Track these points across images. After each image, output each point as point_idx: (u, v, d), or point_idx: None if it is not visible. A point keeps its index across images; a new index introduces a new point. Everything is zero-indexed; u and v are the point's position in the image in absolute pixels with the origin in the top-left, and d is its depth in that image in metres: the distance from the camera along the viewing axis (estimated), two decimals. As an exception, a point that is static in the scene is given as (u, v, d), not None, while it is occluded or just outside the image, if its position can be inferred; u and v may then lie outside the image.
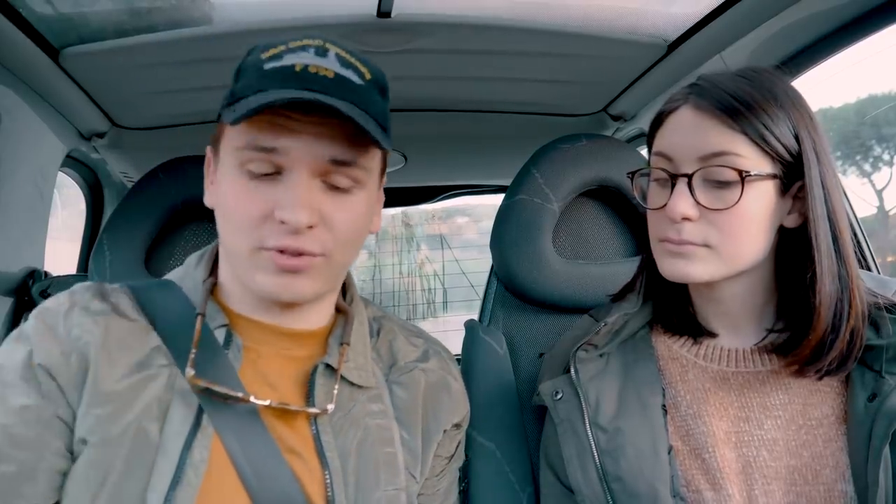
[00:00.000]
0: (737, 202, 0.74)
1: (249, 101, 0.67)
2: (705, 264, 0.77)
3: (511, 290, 1.15)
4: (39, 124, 1.34)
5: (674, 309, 0.88)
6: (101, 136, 1.57)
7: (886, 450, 0.72)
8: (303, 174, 0.69)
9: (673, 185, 0.77)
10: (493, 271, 1.20)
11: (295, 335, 0.79)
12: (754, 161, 0.74)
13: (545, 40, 1.32)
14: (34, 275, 1.34)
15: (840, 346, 0.76)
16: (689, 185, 0.75)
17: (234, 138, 0.71)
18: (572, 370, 0.88)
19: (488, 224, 1.18)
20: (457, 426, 0.88)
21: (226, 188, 0.72)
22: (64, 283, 1.33)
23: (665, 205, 0.77)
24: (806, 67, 1.26)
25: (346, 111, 0.66)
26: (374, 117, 0.71)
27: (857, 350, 0.76)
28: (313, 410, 0.74)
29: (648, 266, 0.88)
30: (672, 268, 0.78)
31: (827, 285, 0.75)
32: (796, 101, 0.77)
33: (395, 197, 2.36)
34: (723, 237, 0.76)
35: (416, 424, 0.82)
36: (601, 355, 0.89)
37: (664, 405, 0.84)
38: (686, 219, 0.75)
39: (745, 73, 0.79)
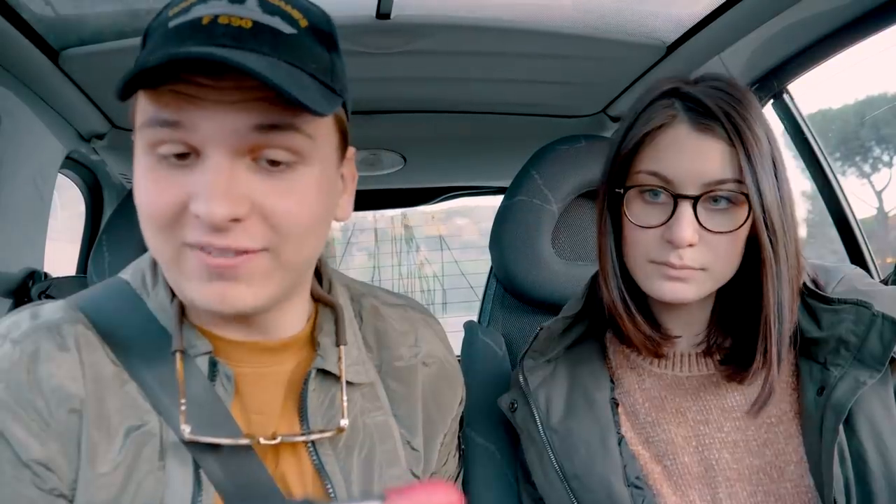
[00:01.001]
0: (742, 225, 0.74)
1: (151, 60, 0.53)
2: (699, 286, 0.76)
3: (510, 291, 1.15)
4: (39, 126, 1.35)
5: (629, 327, 0.84)
6: (100, 137, 1.58)
7: (843, 442, 0.74)
8: (220, 153, 0.54)
9: (674, 207, 0.74)
10: (493, 272, 1.20)
11: (274, 348, 0.68)
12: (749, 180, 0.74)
13: (544, 42, 1.32)
14: (34, 276, 1.34)
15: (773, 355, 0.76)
16: (694, 208, 0.74)
17: (139, 115, 0.57)
18: (521, 378, 0.88)
19: (488, 225, 1.18)
20: (460, 404, 0.82)
21: (138, 177, 0.58)
22: (64, 283, 1.33)
23: (661, 224, 0.75)
24: (806, 68, 1.26)
25: (259, 68, 0.51)
26: (312, 74, 0.58)
27: (777, 361, 0.76)
28: (327, 434, 0.65)
29: (615, 286, 0.84)
30: (669, 291, 0.76)
31: (771, 296, 0.75)
32: (766, 120, 0.77)
33: (395, 198, 2.37)
34: (717, 258, 0.75)
35: (415, 419, 0.75)
36: (548, 361, 0.89)
37: (614, 398, 0.85)
38: (689, 244, 0.74)
39: (723, 87, 0.76)
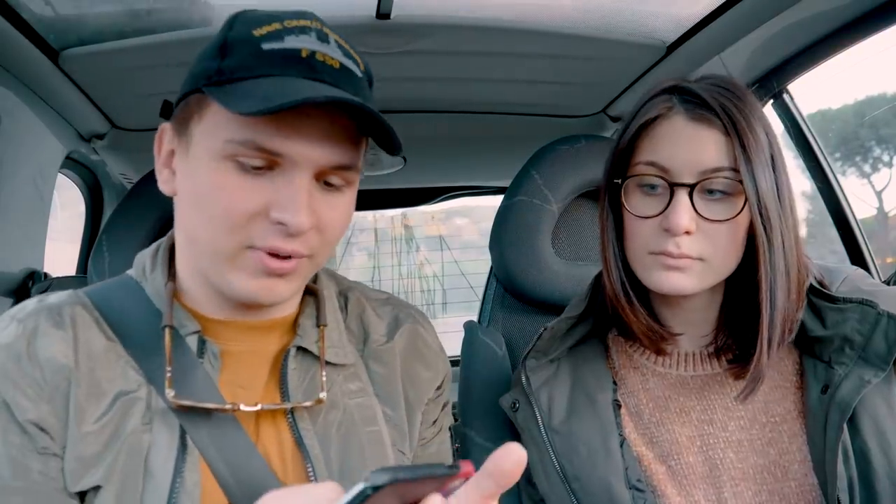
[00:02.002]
0: (738, 213, 0.74)
1: (260, 87, 0.60)
2: (697, 277, 0.77)
3: (510, 291, 1.15)
4: (39, 126, 1.34)
5: (632, 319, 0.84)
6: (100, 137, 1.58)
7: (847, 441, 0.74)
8: (305, 175, 0.63)
9: (671, 196, 0.75)
10: (493, 272, 1.20)
11: (263, 327, 0.73)
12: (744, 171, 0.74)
13: (544, 41, 1.32)
14: (34, 276, 1.34)
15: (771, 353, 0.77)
16: (690, 196, 0.75)
17: (226, 128, 0.62)
18: (523, 378, 0.89)
19: (488, 225, 1.18)
20: (438, 389, 0.83)
21: (206, 178, 0.63)
22: (64, 283, 1.33)
23: (658, 214, 0.76)
24: (806, 68, 1.26)
25: (374, 113, 0.61)
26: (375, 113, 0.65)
27: (767, 346, 0.76)
28: (306, 404, 0.69)
29: (617, 278, 0.84)
30: (667, 281, 0.77)
31: (771, 297, 0.75)
32: (766, 117, 0.77)
33: (395, 198, 2.36)
34: (715, 249, 0.75)
35: (397, 398, 0.77)
36: (551, 361, 0.90)
37: (616, 400, 0.85)
38: (686, 232, 0.75)
39: (721, 83, 0.78)
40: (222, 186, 0.62)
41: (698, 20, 1.22)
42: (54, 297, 0.70)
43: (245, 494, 0.65)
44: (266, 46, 0.62)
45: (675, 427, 0.82)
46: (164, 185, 0.70)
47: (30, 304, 0.69)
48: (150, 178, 1.12)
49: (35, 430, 0.63)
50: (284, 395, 0.70)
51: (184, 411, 0.65)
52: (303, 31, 0.63)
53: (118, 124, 1.58)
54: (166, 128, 0.70)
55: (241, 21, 0.65)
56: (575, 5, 1.26)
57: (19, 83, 1.23)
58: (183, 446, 0.65)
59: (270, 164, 0.62)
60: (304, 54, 0.62)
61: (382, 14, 1.16)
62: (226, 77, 0.62)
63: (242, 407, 0.67)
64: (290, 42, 0.62)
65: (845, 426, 0.74)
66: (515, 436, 0.93)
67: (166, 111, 0.71)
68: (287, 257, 0.64)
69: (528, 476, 0.89)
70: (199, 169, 0.64)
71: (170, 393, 0.64)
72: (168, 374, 0.65)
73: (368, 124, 0.65)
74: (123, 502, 0.62)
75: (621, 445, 0.82)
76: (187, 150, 0.66)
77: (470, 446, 1.00)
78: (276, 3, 1.18)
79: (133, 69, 1.31)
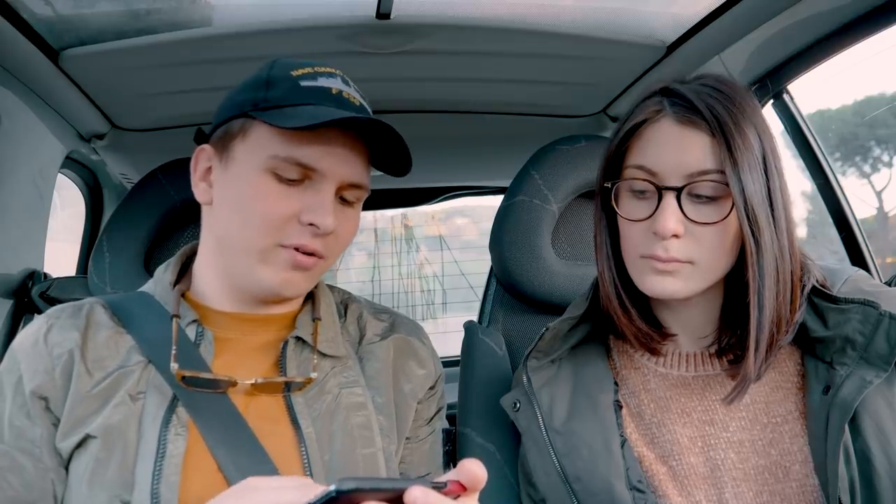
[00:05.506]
0: (726, 217, 0.74)
1: (307, 111, 0.73)
2: (688, 281, 0.77)
3: (510, 291, 1.15)
4: (39, 126, 1.35)
5: (623, 321, 0.85)
6: (100, 137, 1.58)
7: (848, 442, 0.73)
8: (331, 187, 0.76)
9: (659, 199, 0.75)
10: (493, 272, 1.20)
11: (263, 320, 0.83)
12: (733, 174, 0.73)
13: (544, 42, 1.32)
14: (34, 276, 1.34)
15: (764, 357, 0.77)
16: (678, 199, 0.75)
17: (270, 146, 0.74)
18: (524, 378, 0.89)
19: (488, 225, 1.18)
20: (431, 389, 0.90)
21: (248, 188, 0.75)
22: (64, 284, 1.33)
23: (648, 217, 0.76)
24: (806, 68, 1.26)
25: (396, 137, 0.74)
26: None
27: (755, 349, 0.76)
28: (297, 380, 0.78)
29: (609, 279, 0.86)
30: (659, 285, 0.77)
31: (766, 300, 0.75)
32: (761, 118, 0.77)
33: (395, 198, 2.36)
34: (704, 252, 0.75)
35: (387, 388, 0.85)
36: (553, 362, 0.90)
37: (617, 400, 0.85)
38: (674, 235, 0.75)
39: (712, 83, 0.78)
40: (263, 194, 0.74)
41: (698, 20, 1.22)
42: (82, 301, 0.83)
43: (233, 461, 0.72)
44: (304, 83, 0.76)
45: (676, 427, 0.82)
46: (201, 196, 0.81)
47: (62, 305, 0.82)
48: (150, 179, 1.12)
49: (36, 399, 0.74)
50: (282, 371, 0.80)
51: (184, 386, 0.74)
52: (331, 75, 0.78)
53: (118, 124, 1.58)
54: (205, 148, 0.81)
55: (279, 64, 0.79)
56: (575, 5, 1.26)
57: (19, 83, 1.23)
58: (171, 410, 0.74)
59: (303, 177, 0.75)
60: (334, 91, 0.77)
61: (382, 14, 1.16)
62: (271, 104, 0.75)
63: (239, 380, 0.76)
64: (323, 82, 0.77)
65: (846, 427, 0.73)
66: (515, 435, 0.93)
67: (200, 138, 0.83)
68: (311, 254, 0.76)
69: (528, 477, 0.89)
70: (241, 180, 0.76)
71: (174, 366, 0.74)
72: (174, 352, 0.75)
73: (381, 151, 0.79)
74: (113, 455, 0.71)
75: (622, 446, 0.82)
76: (228, 165, 0.77)
77: (469, 446, 1.00)
78: (274, 1, 1.19)
79: (133, 69, 1.31)
